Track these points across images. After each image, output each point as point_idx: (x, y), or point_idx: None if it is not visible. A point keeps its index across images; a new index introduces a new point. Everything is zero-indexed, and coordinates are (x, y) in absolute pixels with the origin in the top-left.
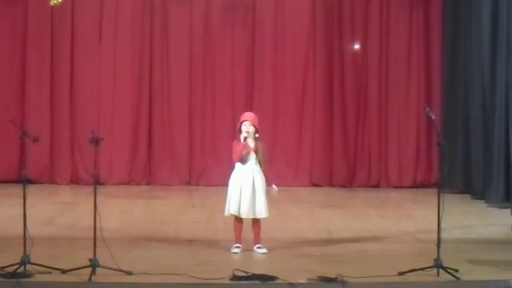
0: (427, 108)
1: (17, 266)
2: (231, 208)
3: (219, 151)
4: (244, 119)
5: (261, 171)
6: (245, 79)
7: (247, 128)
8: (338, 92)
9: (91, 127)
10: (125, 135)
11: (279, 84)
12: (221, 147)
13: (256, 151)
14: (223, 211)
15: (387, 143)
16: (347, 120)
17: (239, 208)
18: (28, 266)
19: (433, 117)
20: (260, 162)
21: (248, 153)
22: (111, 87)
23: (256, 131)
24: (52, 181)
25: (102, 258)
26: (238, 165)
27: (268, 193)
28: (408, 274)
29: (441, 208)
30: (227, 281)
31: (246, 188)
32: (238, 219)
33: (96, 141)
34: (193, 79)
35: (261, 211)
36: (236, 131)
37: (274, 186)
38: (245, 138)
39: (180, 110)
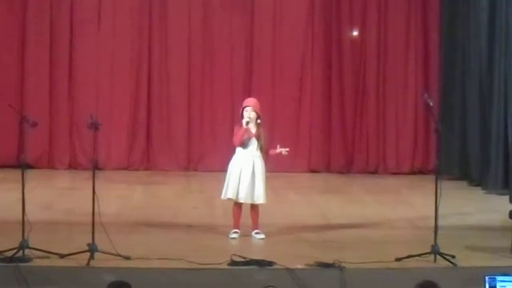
0: (425, 95)
1: (16, 250)
2: (228, 192)
3: (217, 136)
4: (246, 104)
5: (261, 157)
6: (244, 65)
7: (248, 113)
8: (336, 78)
9: (89, 112)
10: (124, 120)
11: (277, 71)
12: (219, 133)
13: (258, 137)
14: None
15: (385, 130)
16: (345, 106)
17: (237, 192)
18: (27, 251)
19: (431, 103)
20: (261, 148)
21: (249, 138)
22: (109, 72)
23: (258, 117)
24: (50, 166)
25: (101, 243)
26: (238, 149)
27: (267, 179)
28: (405, 260)
29: (438, 194)
30: (225, 266)
31: (245, 173)
32: (237, 205)
33: (95, 126)
34: (192, 64)
35: (260, 197)
36: (235, 117)
37: (279, 148)
38: (247, 123)
39: (178, 95)
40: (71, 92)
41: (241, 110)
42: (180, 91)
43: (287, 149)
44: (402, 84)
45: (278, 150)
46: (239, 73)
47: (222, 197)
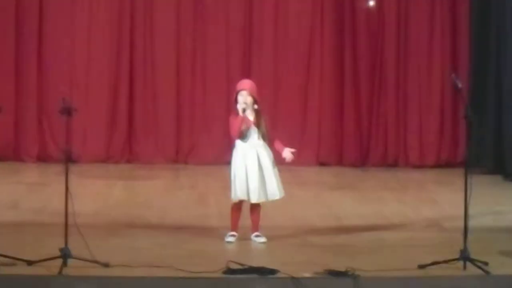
0: (453, 75)
1: None
2: (238, 192)
3: (211, 124)
4: (240, 88)
5: (266, 146)
6: (242, 42)
7: (244, 98)
8: (350, 56)
9: (62, 96)
10: (102, 104)
11: (281, 48)
12: (213, 120)
13: (257, 125)
14: (223, 195)
15: (406, 116)
16: (360, 88)
17: (247, 192)
18: None
19: (459, 85)
20: (264, 137)
21: (248, 128)
22: (85, 49)
23: (255, 102)
24: (17, 158)
25: (75, 248)
26: (238, 142)
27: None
28: (430, 267)
29: (468, 191)
30: (219, 274)
31: (252, 168)
32: (238, 204)
33: (68, 112)
34: (181, 40)
35: (274, 192)
36: (231, 103)
37: (287, 150)
38: (244, 110)
39: (166, 76)
40: (40, 72)
41: (235, 95)
42: (167, 72)
43: (293, 150)
44: (426, 62)
45: (284, 152)
46: (237, 51)
47: (233, 198)
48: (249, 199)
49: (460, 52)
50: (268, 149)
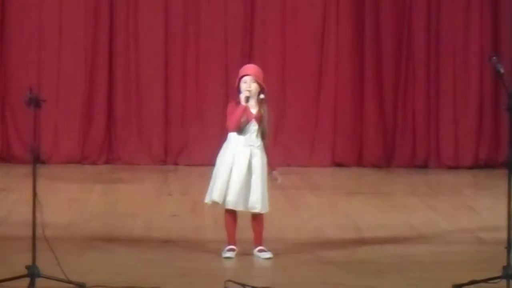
0: (494, 58)
1: None
2: (214, 193)
3: (205, 118)
4: (244, 73)
5: (263, 147)
6: (243, 20)
7: (248, 85)
8: (371, 38)
9: (28, 85)
10: (76, 95)
11: (289, 28)
12: (208, 114)
13: (259, 120)
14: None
15: (438, 108)
16: (383, 74)
17: (225, 195)
18: None
19: (502, 70)
20: (263, 135)
21: (248, 121)
22: (56, 29)
23: (261, 91)
24: None
25: (44, 265)
26: (232, 135)
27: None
28: (467, 287)
29: None
30: None
31: (239, 168)
32: (229, 211)
33: (36, 103)
34: (170, 18)
35: (256, 204)
36: (230, 92)
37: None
38: (247, 99)
39: (152, 61)
40: (3, 57)
41: (237, 81)
42: (154, 55)
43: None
44: (462, 45)
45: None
46: (237, 32)
47: (207, 200)
48: (225, 204)
49: (502, 31)
50: (264, 152)
